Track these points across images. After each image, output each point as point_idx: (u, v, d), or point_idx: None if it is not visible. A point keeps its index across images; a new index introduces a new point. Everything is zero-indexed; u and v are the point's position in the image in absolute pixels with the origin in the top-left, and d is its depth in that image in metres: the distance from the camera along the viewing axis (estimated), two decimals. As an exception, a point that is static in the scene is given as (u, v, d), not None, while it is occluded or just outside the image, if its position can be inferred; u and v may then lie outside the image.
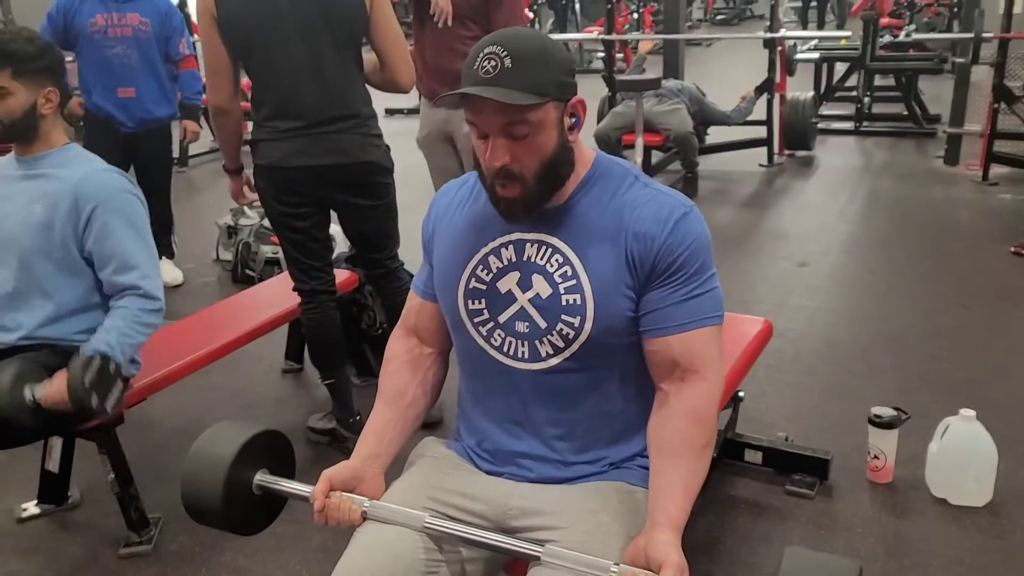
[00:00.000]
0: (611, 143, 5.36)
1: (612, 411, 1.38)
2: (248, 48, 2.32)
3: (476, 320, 1.36)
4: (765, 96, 6.06)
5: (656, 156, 5.86)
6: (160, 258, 4.25)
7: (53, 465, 2.37)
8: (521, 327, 1.33)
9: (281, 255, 4.15)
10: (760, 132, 6.16)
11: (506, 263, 1.35)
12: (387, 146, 2.53)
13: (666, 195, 1.33)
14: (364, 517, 1.33)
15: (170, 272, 4.27)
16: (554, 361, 1.33)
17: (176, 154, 6.66)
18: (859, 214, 5.10)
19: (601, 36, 6.87)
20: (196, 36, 4.09)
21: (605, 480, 1.37)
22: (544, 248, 1.33)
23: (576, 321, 1.30)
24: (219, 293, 4.14)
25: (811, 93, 6.50)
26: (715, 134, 6.30)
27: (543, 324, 1.32)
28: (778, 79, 6.12)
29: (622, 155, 5.39)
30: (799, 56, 7.03)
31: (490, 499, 1.36)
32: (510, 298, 1.34)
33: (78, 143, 2.18)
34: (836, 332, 3.43)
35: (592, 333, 1.30)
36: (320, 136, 2.37)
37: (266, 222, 4.34)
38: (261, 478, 1.44)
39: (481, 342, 1.37)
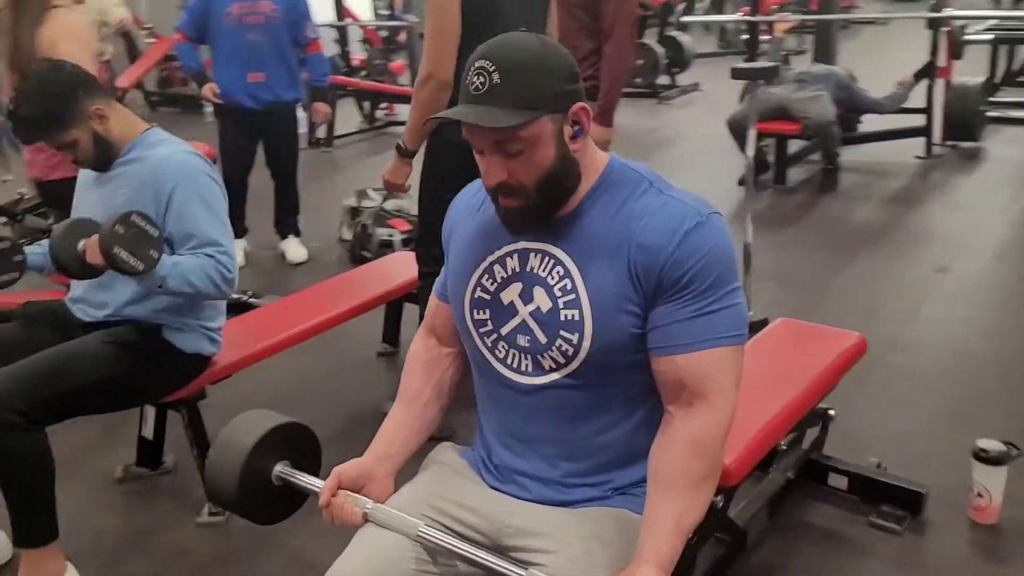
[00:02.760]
0: (743, 131, 5.09)
1: (619, 432, 1.30)
2: (490, 19, 2.21)
3: (481, 331, 1.32)
4: (925, 81, 5.57)
5: (797, 145, 5.53)
6: (287, 237, 4.51)
7: (148, 432, 2.54)
8: (523, 341, 1.28)
9: (395, 238, 4.26)
10: (919, 121, 5.68)
11: (510, 273, 1.30)
12: None
13: (680, 203, 1.23)
14: (365, 519, 1.32)
15: (296, 250, 4.46)
16: (555, 376, 1.27)
17: (323, 135, 7.02)
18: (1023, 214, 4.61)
19: (744, 17, 6.55)
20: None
21: (607, 506, 1.30)
22: (547, 259, 1.27)
23: (574, 338, 1.23)
24: (337, 272, 4.28)
25: (982, 78, 5.92)
26: (869, 122, 5.87)
27: (543, 339, 1.26)
28: (943, 63, 5.61)
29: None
30: (968, 37, 6.40)
31: (488, 514, 1.32)
32: (512, 310, 1.29)
33: (156, 123, 2.25)
34: (969, 347, 3.11)
35: (591, 351, 1.23)
36: None
37: (387, 205, 4.45)
38: (281, 470, 1.47)
39: (486, 353, 1.33)
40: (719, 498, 1.74)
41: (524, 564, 1.21)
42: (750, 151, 3.18)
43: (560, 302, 1.24)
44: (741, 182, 5.30)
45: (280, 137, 4.21)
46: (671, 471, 1.21)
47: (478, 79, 1.15)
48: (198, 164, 2.11)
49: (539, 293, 1.26)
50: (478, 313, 1.32)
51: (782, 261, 4.08)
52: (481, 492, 1.36)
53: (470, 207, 1.40)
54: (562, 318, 1.24)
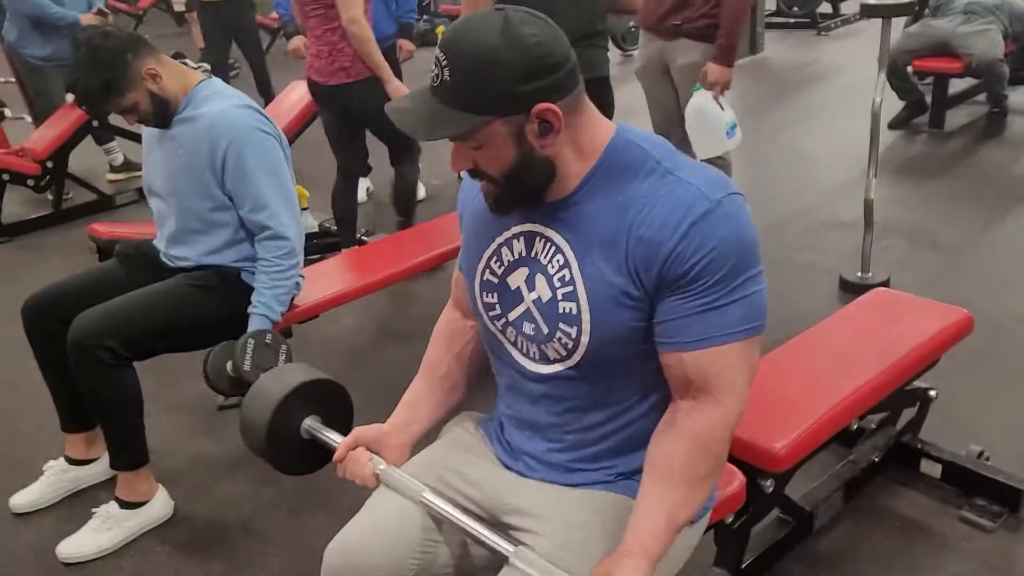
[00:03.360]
0: (898, 69, 4.67)
1: (627, 419, 1.24)
2: None
3: (491, 314, 1.28)
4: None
5: (959, 84, 5.00)
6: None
7: (244, 364, 2.68)
8: (528, 329, 1.23)
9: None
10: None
11: (516, 257, 1.23)
12: None
13: (687, 186, 1.11)
14: (376, 479, 1.34)
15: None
16: (558, 368, 1.22)
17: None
18: None
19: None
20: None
21: (609, 490, 1.25)
22: (548, 246, 1.20)
23: (573, 332, 1.17)
24: (452, 210, 4.31)
25: None
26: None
27: (545, 330, 1.20)
28: None
29: (909, 84, 4.73)
30: None
31: (490, 490, 1.30)
32: (519, 296, 1.23)
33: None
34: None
35: (590, 345, 1.16)
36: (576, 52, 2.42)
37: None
38: (311, 424, 1.50)
39: (498, 335, 1.29)
40: (769, 482, 1.65)
41: (516, 543, 1.19)
42: (878, 96, 2.89)
43: (559, 293, 1.18)
44: (892, 125, 4.89)
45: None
46: (670, 464, 1.14)
47: (434, 70, 1.09)
48: (251, 120, 2.14)
49: (540, 281, 1.20)
50: (487, 296, 1.28)
51: (923, 216, 3.74)
52: (487, 467, 1.34)
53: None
54: (560, 310, 1.17)
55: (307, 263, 3.31)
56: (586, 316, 1.15)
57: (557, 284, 1.17)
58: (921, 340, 1.90)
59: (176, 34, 9.52)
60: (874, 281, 3.05)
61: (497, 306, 1.26)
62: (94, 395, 2.07)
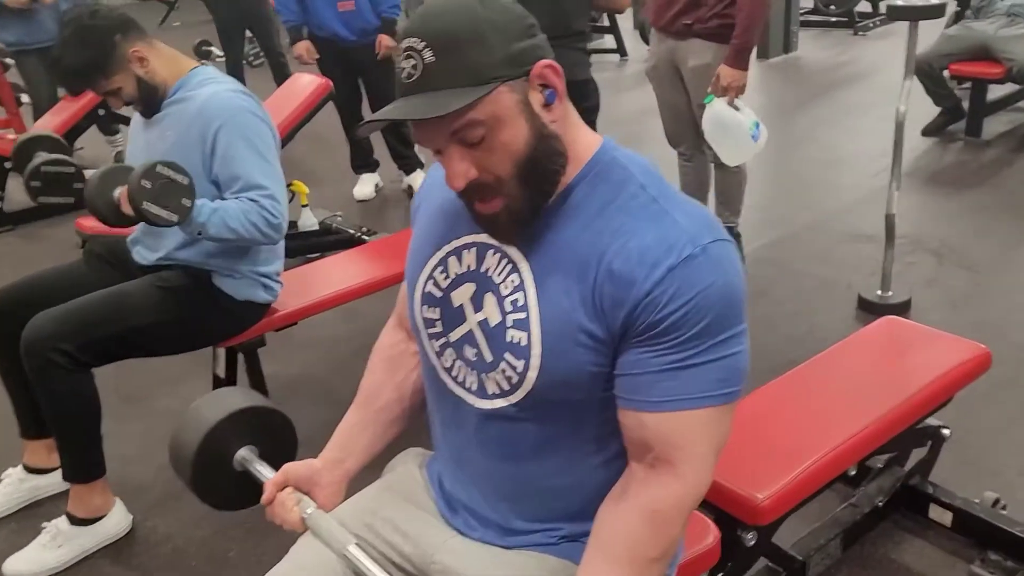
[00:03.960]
0: (933, 74, 4.43)
1: (574, 477, 1.08)
2: None
3: (430, 331, 1.12)
4: None
5: (998, 91, 4.74)
6: (411, 171, 4.43)
7: (220, 371, 2.55)
8: (469, 353, 1.07)
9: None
10: None
11: (465, 270, 1.08)
12: None
13: (672, 223, 0.95)
14: (303, 524, 1.20)
15: (421, 180, 4.39)
16: (499, 404, 1.05)
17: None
18: None
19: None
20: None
21: (550, 553, 1.09)
22: (504, 263, 1.04)
23: (519, 365, 1.01)
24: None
25: None
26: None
27: (488, 357, 1.04)
28: None
29: (946, 89, 4.49)
30: None
31: (421, 545, 1.16)
32: (461, 315, 1.07)
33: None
34: None
35: (537, 384, 1.01)
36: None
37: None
38: (245, 454, 1.37)
39: (433, 358, 1.13)
40: (751, 535, 1.48)
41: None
42: (902, 105, 2.69)
43: (509, 319, 1.02)
44: (926, 132, 4.65)
45: (376, 69, 4.10)
46: (615, 540, 0.98)
47: (409, 64, 0.92)
48: (244, 103, 2.01)
49: (490, 302, 1.05)
50: (428, 311, 1.12)
51: (953, 230, 3.52)
52: (423, 519, 1.19)
53: (441, 180, 1.18)
54: (508, 338, 1.02)
55: (305, 261, 3.22)
56: (536, 351, 0.99)
57: (508, 308, 1.02)
58: (932, 377, 1.72)
59: (207, 21, 9.52)
60: (894, 301, 2.86)
61: (438, 323, 1.10)
62: (47, 401, 1.95)
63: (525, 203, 0.99)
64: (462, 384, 1.09)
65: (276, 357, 2.66)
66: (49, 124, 4.44)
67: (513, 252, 1.03)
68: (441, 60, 0.91)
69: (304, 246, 3.66)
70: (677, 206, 0.98)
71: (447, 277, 1.09)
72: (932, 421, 1.87)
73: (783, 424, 1.65)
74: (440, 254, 1.11)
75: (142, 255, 2.15)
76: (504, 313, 1.02)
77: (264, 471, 1.32)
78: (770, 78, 6.52)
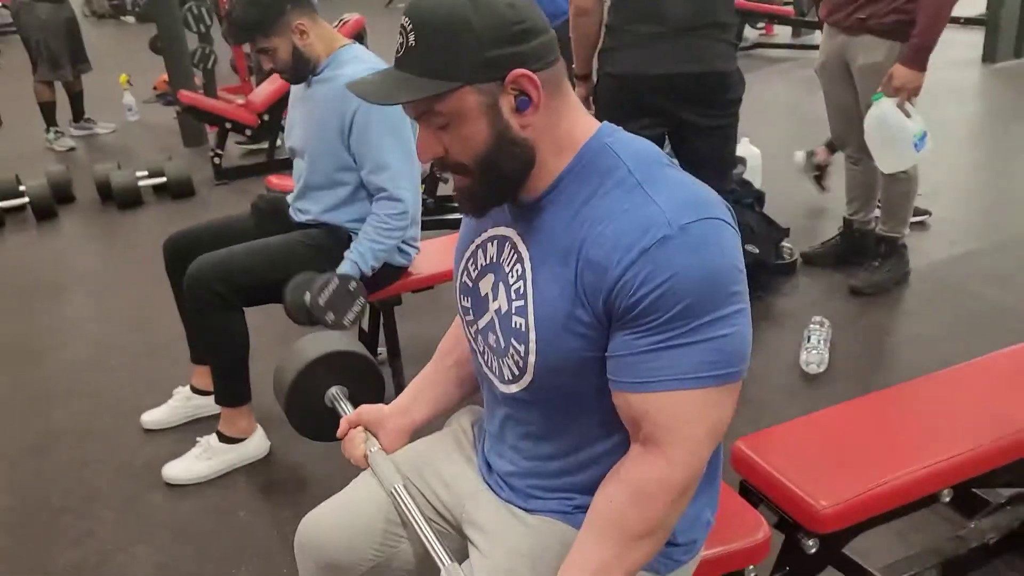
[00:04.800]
0: None
1: (587, 457, 1.12)
2: None
3: (466, 319, 1.20)
4: None
5: None
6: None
7: (364, 323, 2.78)
8: (491, 340, 1.13)
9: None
10: None
11: (488, 261, 1.14)
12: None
13: (652, 207, 0.95)
14: (366, 460, 1.34)
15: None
16: (513, 389, 1.12)
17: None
18: None
19: None
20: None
21: (565, 522, 1.14)
22: (513, 253, 1.10)
23: (521, 350, 1.07)
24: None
25: None
26: None
27: (502, 343, 1.10)
28: None
29: None
30: None
31: (458, 495, 1.26)
32: (485, 304, 1.14)
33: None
34: None
35: (538, 370, 1.06)
36: (682, 42, 2.33)
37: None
38: (335, 392, 1.52)
39: (471, 343, 1.22)
40: (812, 542, 1.45)
41: (464, 556, 1.15)
42: None
43: (513, 306, 1.08)
44: None
45: (566, 50, 4.16)
46: (603, 514, 1.02)
47: (399, 39, 1.00)
48: None
49: (501, 291, 1.11)
50: (463, 299, 1.20)
51: None
52: (464, 471, 1.28)
53: None
54: (513, 324, 1.08)
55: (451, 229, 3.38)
56: (533, 336, 1.04)
57: (513, 296, 1.08)
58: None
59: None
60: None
61: (471, 311, 1.18)
62: (203, 332, 2.24)
63: (485, 191, 1.04)
64: (490, 368, 1.16)
65: (417, 318, 2.84)
66: (264, 91, 4.92)
67: (519, 243, 1.08)
68: (419, 46, 0.97)
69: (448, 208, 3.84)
70: (663, 190, 0.97)
71: (476, 268, 1.16)
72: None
73: (875, 435, 1.58)
74: (472, 246, 1.18)
75: (297, 213, 2.38)
76: (510, 301, 1.08)
77: (348, 409, 1.46)
78: (994, 83, 5.99)
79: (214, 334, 2.21)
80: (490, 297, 1.13)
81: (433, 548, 1.15)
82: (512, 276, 1.08)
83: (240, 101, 5.08)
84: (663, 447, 0.98)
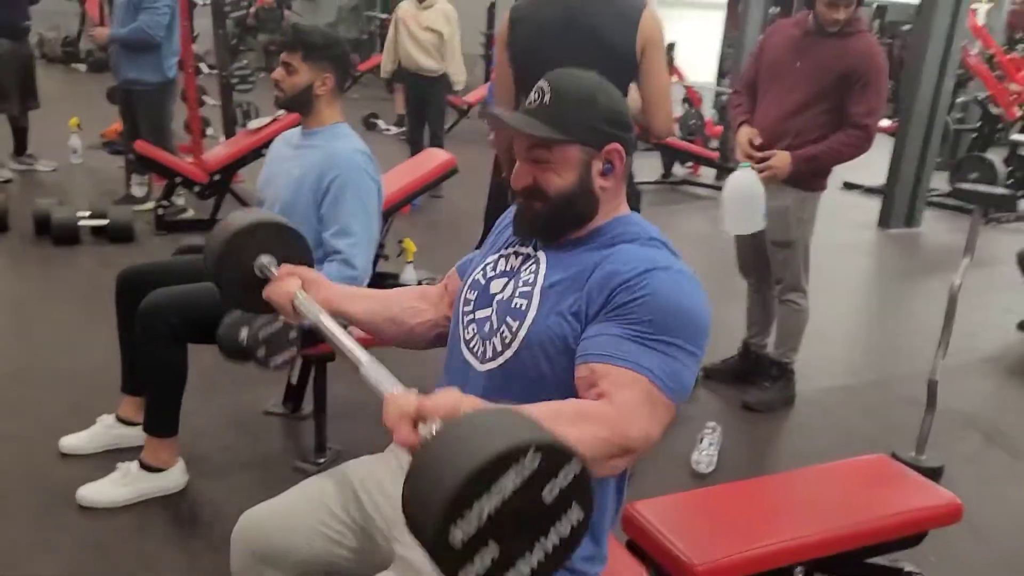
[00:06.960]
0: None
1: None
2: (526, 77, 2.55)
3: (464, 309, 1.43)
4: None
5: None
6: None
7: (293, 378, 2.93)
8: (485, 325, 1.37)
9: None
10: None
11: (508, 269, 1.41)
12: None
13: (662, 254, 1.31)
14: (292, 304, 1.44)
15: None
16: (491, 366, 1.33)
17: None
18: None
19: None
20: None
21: None
22: (532, 264, 1.38)
23: (515, 325, 1.32)
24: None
25: None
26: None
27: (495, 324, 1.35)
28: None
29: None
30: None
31: (395, 507, 1.38)
32: (491, 299, 1.39)
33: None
34: None
35: (523, 341, 1.29)
36: None
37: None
38: (266, 260, 1.52)
39: (459, 329, 1.43)
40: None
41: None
42: (957, 279, 2.83)
43: (517, 292, 1.34)
44: (1022, 326, 4.65)
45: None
46: (543, 407, 1.11)
47: (535, 95, 1.33)
48: (363, 163, 2.42)
49: (509, 288, 1.37)
50: (469, 292, 1.43)
51: (1018, 421, 3.54)
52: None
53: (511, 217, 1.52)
54: (513, 305, 1.33)
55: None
56: (531, 314, 1.30)
57: (520, 287, 1.34)
58: (893, 511, 1.86)
59: (382, 98, 10.47)
60: (927, 464, 2.92)
61: (473, 303, 1.41)
62: (147, 360, 2.35)
63: (549, 216, 1.34)
64: (472, 351, 1.38)
65: (348, 378, 2.97)
66: (221, 152, 5.11)
67: (541, 259, 1.37)
68: (553, 104, 1.31)
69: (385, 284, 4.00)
70: (667, 251, 1.33)
71: (493, 271, 1.43)
72: (908, 568, 1.98)
73: (747, 512, 1.82)
74: (495, 255, 1.45)
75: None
76: (516, 290, 1.35)
77: (270, 271, 1.51)
78: (887, 246, 6.63)
79: (157, 364, 2.33)
80: (497, 294, 1.38)
81: (347, 348, 1.22)
82: (525, 274, 1.36)
83: (190, 160, 5.24)
84: (613, 400, 1.16)
